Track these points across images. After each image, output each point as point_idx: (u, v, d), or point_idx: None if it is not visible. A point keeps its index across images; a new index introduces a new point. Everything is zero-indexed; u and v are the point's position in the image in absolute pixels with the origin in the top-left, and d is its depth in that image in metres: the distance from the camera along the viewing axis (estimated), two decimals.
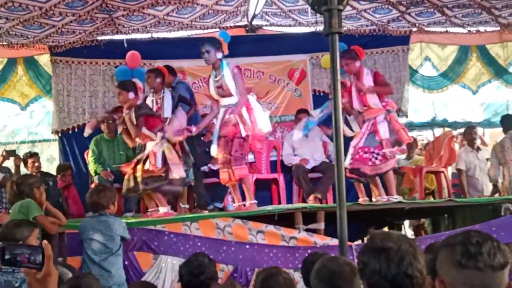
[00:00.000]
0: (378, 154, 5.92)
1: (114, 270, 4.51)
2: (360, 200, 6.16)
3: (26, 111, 8.18)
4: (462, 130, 9.19)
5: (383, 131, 5.93)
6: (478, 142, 8.01)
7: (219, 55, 5.57)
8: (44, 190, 4.65)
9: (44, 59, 7.79)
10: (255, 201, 5.84)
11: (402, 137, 5.97)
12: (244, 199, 5.86)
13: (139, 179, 5.52)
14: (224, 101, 5.62)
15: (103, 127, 6.93)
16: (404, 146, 6.17)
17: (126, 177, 5.67)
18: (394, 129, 5.98)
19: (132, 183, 5.57)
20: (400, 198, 6.31)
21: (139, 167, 5.58)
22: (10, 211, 4.53)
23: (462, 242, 1.70)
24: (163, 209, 5.65)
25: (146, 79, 6.00)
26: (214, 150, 5.63)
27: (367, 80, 6.02)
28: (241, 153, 5.59)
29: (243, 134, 5.53)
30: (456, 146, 8.08)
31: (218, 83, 5.56)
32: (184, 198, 6.39)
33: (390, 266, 1.92)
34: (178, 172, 5.58)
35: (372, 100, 6.00)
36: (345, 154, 6.15)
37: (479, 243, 1.68)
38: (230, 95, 5.57)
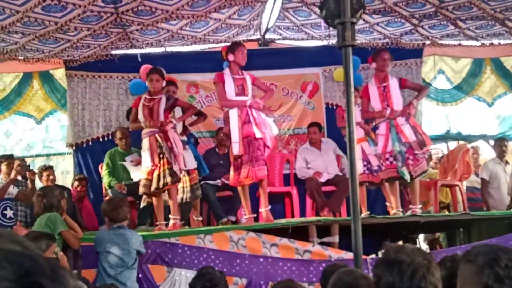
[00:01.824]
0: (409, 158, 5.90)
1: (129, 284, 4.52)
2: (364, 214, 6.14)
3: (41, 125, 8.24)
4: (476, 143, 9.12)
5: (409, 133, 5.93)
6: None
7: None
8: (65, 202, 4.71)
9: (59, 73, 7.88)
10: (269, 207, 5.85)
11: (427, 139, 6.03)
12: (253, 209, 5.90)
13: (166, 172, 5.57)
14: (239, 98, 5.67)
15: (118, 141, 6.98)
16: (429, 147, 6.18)
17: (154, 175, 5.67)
18: (418, 132, 6.00)
19: (159, 181, 5.60)
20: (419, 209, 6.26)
21: (162, 162, 5.62)
22: (36, 222, 4.55)
23: (490, 264, 1.66)
24: (173, 219, 5.67)
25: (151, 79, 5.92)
26: (236, 149, 5.59)
27: (394, 84, 6.06)
28: (261, 153, 5.63)
29: (257, 135, 5.57)
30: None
31: (240, 82, 5.69)
32: (197, 210, 6.40)
33: (402, 279, 1.91)
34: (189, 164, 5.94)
35: (397, 100, 6.03)
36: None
37: (508, 266, 1.65)
38: (246, 95, 5.69)
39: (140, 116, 5.82)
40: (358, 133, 6.32)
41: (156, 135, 5.69)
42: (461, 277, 1.74)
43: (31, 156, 8.14)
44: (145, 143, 5.75)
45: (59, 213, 4.52)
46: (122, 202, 4.84)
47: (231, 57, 5.70)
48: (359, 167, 6.01)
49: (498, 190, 7.51)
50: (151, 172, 5.62)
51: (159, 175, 5.55)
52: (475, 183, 7.97)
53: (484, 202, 7.49)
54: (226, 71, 5.76)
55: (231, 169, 5.75)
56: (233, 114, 5.63)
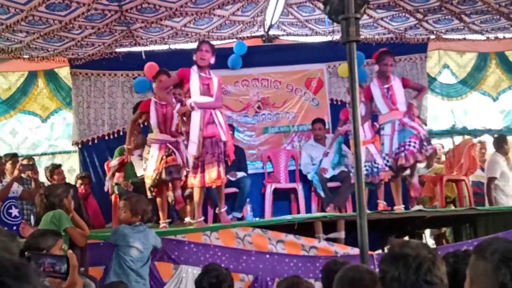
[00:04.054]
0: (415, 143, 5.85)
1: (147, 279, 4.58)
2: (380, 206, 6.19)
3: (46, 123, 8.27)
4: (481, 138, 9.08)
5: (418, 126, 5.94)
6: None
7: (212, 60, 5.55)
8: (71, 198, 4.67)
9: (64, 72, 7.90)
10: (225, 207, 5.77)
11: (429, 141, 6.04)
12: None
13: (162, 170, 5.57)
14: (202, 99, 5.43)
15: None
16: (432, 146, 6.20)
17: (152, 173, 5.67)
18: (421, 132, 6.01)
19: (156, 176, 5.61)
20: (420, 207, 6.28)
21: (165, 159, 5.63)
22: (41, 220, 4.54)
23: (506, 262, 1.65)
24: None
25: (160, 80, 5.90)
26: (193, 150, 5.32)
27: (397, 85, 6.06)
28: (223, 156, 5.45)
29: (223, 138, 5.45)
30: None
31: (206, 81, 5.49)
32: (190, 215, 6.37)
33: (408, 272, 1.92)
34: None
35: (401, 100, 6.03)
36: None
37: None
38: (210, 96, 5.48)
39: (154, 123, 5.79)
40: (366, 135, 6.35)
41: (168, 145, 5.69)
42: (474, 273, 1.73)
43: (37, 155, 8.16)
44: (154, 149, 5.74)
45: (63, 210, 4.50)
46: (148, 201, 4.88)
47: (194, 57, 5.50)
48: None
49: (508, 187, 7.42)
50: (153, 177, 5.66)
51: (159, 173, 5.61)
52: (481, 177, 7.92)
53: (489, 200, 7.36)
54: (194, 68, 5.51)
55: (191, 169, 5.44)
56: (196, 113, 5.39)
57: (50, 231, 3.65)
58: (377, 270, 2.52)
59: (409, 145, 5.83)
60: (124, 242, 4.55)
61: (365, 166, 6.14)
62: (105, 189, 6.69)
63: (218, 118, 5.47)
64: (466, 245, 5.00)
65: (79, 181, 7.25)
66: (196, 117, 5.36)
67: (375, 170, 6.14)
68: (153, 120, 5.80)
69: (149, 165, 5.73)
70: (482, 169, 7.95)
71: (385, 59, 6.09)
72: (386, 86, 6.06)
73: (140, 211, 4.66)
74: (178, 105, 5.45)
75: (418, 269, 1.91)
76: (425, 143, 5.88)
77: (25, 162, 6.30)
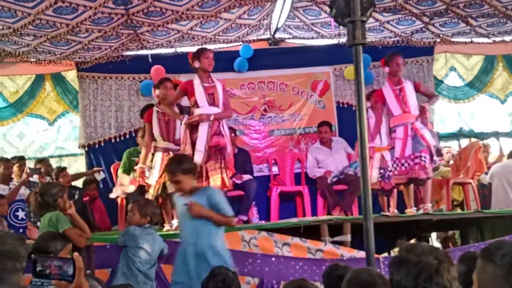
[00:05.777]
0: (426, 157, 5.88)
1: (154, 281, 4.59)
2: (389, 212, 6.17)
3: (53, 126, 8.31)
4: (487, 141, 9.06)
5: (429, 137, 5.93)
6: None
7: None
8: (67, 197, 4.60)
9: (71, 75, 7.94)
10: None
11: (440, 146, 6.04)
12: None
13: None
14: (211, 110, 5.41)
15: (140, 139, 6.98)
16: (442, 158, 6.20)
17: (154, 185, 5.69)
18: (435, 138, 6.00)
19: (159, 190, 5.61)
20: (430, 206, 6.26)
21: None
22: (39, 224, 4.52)
23: None
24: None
25: (166, 86, 5.98)
26: (199, 159, 5.24)
27: (409, 87, 6.06)
28: (225, 163, 5.45)
29: (228, 149, 5.47)
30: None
31: (211, 91, 5.47)
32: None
33: (408, 279, 1.91)
34: None
35: (413, 102, 6.04)
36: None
37: None
38: (217, 105, 5.46)
39: (156, 132, 5.79)
40: (383, 141, 6.33)
41: (171, 153, 5.68)
42: (482, 278, 1.71)
43: (44, 158, 8.19)
44: (158, 157, 5.75)
45: (57, 211, 4.41)
46: (156, 204, 4.87)
47: (197, 64, 5.46)
48: (375, 175, 6.00)
49: None
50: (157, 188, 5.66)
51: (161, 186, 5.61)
52: (483, 181, 7.87)
53: None
54: (196, 79, 5.48)
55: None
56: (204, 124, 5.35)
57: (61, 236, 3.63)
58: (382, 273, 2.51)
59: (422, 159, 5.84)
60: (134, 243, 4.55)
61: (380, 173, 6.14)
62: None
63: (224, 128, 5.48)
64: (473, 248, 4.98)
65: (86, 186, 7.27)
66: (204, 127, 5.35)
67: (387, 175, 6.12)
68: (155, 129, 5.82)
69: (152, 174, 5.74)
70: (485, 173, 7.91)
71: (394, 59, 6.10)
72: (398, 87, 6.07)
73: (149, 213, 4.67)
74: (186, 117, 5.44)
75: (417, 276, 1.90)
76: (434, 158, 5.89)
77: (39, 166, 6.32)
